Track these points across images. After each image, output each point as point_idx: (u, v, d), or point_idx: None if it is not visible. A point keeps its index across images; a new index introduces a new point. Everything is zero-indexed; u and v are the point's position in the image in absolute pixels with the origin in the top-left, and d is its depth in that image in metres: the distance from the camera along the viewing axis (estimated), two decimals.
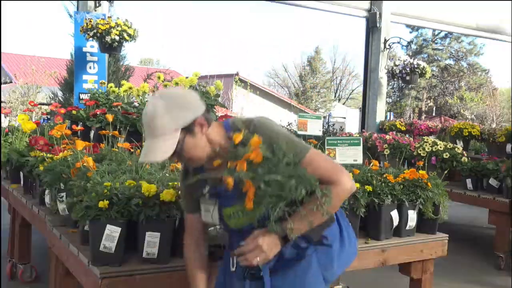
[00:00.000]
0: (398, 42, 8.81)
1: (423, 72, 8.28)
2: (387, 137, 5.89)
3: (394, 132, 6.69)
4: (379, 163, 3.63)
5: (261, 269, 1.64)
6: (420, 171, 2.90)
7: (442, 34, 30.00)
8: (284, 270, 1.67)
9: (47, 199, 2.88)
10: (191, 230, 1.84)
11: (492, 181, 4.96)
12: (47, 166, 2.76)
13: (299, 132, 4.15)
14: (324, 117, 16.52)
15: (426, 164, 4.81)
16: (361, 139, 3.41)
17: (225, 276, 1.79)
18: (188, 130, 1.58)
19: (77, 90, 6.32)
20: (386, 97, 11.86)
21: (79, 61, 6.38)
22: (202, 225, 1.82)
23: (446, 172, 3.85)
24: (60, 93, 9.16)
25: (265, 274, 1.65)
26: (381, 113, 8.84)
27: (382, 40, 8.64)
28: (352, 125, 23.09)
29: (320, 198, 1.56)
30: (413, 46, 28.68)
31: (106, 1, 6.42)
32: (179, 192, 1.99)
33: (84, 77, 6.32)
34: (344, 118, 28.08)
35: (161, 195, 2.06)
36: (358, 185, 2.62)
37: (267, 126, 1.64)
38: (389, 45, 8.69)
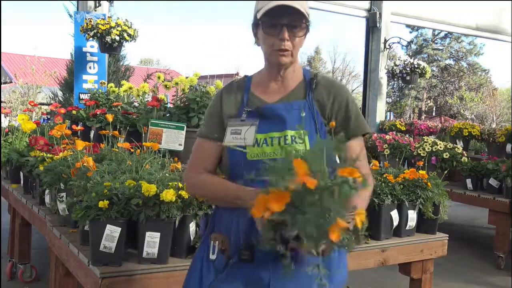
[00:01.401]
0: (398, 42, 8.81)
1: (423, 72, 8.29)
2: (387, 137, 5.89)
3: (394, 132, 6.69)
4: (379, 163, 3.64)
5: (254, 255, 1.44)
6: (420, 171, 2.90)
7: (442, 34, 30.00)
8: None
9: (47, 199, 2.88)
10: (204, 158, 1.61)
11: (492, 181, 4.96)
12: (47, 166, 2.76)
13: None
14: None
15: (426, 164, 4.81)
16: None
17: (202, 263, 1.58)
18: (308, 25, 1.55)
19: (77, 90, 6.33)
20: (386, 97, 11.87)
21: (79, 61, 6.39)
22: (217, 157, 1.61)
23: (446, 172, 3.84)
24: (60, 93, 9.17)
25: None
26: (381, 113, 8.85)
27: (382, 40, 8.64)
28: None
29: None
30: (413, 46, 28.71)
31: (106, 1, 6.43)
32: (206, 117, 1.70)
33: (84, 77, 6.33)
34: None
35: (161, 195, 2.05)
36: None
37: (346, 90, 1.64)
38: (389, 45, 8.69)
